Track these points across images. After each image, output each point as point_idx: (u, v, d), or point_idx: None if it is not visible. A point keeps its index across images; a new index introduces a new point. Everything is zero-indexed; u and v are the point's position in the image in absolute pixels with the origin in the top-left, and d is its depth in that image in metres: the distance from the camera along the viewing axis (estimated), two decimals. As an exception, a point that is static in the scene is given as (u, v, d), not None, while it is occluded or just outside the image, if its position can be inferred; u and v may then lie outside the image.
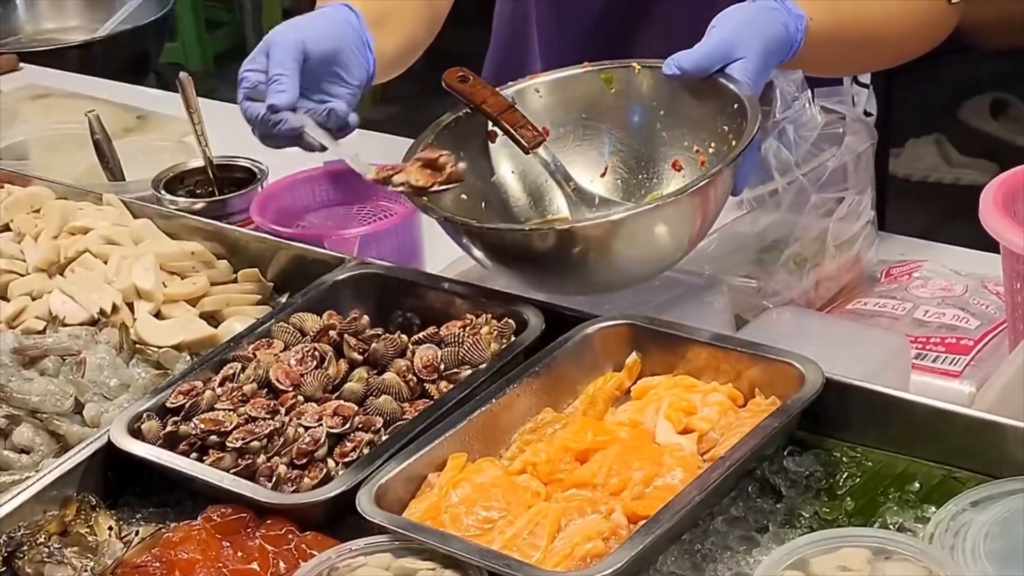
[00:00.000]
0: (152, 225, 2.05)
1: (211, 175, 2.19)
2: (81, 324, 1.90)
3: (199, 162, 2.21)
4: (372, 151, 1.96)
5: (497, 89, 1.92)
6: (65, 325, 1.90)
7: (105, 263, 1.99)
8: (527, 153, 1.89)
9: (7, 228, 2.12)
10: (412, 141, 1.88)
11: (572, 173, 1.91)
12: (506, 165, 1.95)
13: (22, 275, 2.02)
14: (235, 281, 1.99)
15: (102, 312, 1.90)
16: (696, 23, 1.88)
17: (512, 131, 1.88)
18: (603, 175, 1.96)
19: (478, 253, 1.80)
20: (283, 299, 1.95)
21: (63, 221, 2.07)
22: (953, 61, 5.16)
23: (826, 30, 1.92)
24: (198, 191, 2.21)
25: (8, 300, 1.99)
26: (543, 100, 1.96)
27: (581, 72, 1.97)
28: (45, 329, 1.90)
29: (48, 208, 2.11)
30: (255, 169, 2.18)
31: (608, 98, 1.95)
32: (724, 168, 1.73)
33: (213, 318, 1.93)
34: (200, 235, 2.06)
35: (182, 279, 1.98)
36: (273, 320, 1.79)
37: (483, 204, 1.92)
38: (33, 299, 1.96)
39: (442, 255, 2.05)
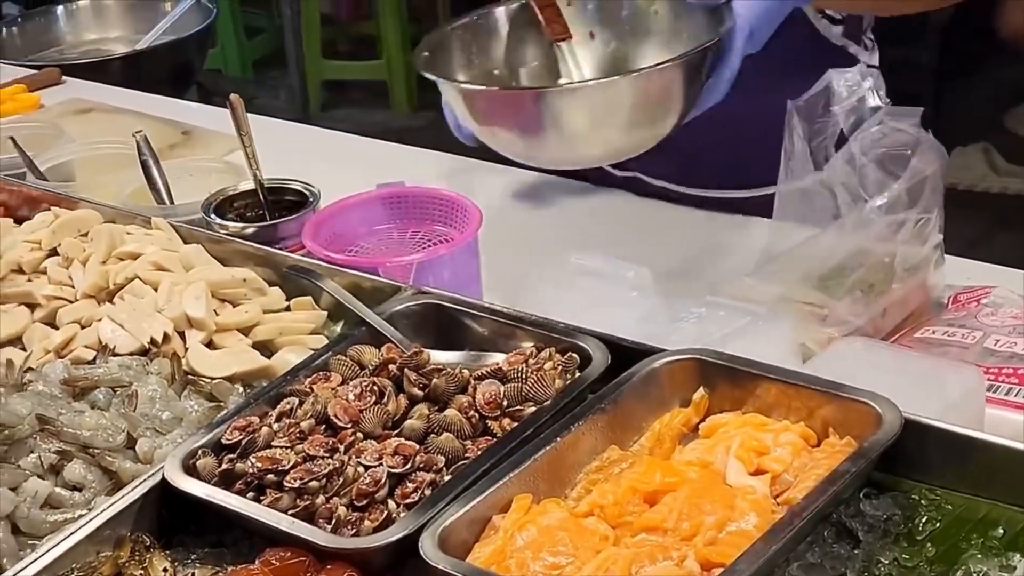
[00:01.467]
0: (202, 250, 2.01)
1: (262, 198, 2.14)
2: (131, 354, 1.86)
3: (249, 184, 2.16)
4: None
5: None
6: (115, 355, 1.86)
7: (155, 290, 1.95)
8: (550, 45, 2.04)
9: (54, 252, 2.07)
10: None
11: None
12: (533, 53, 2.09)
13: (70, 301, 1.98)
14: (288, 309, 1.95)
15: (153, 342, 1.86)
16: None
17: (542, 20, 2.04)
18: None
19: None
20: (338, 328, 1.91)
21: (112, 246, 2.03)
22: (1000, 69, 5.11)
23: None
24: (248, 214, 2.17)
25: (57, 327, 1.95)
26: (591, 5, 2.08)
27: None
28: (95, 359, 1.86)
29: (96, 232, 2.06)
30: (307, 192, 2.13)
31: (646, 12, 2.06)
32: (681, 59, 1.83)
33: (266, 348, 1.88)
34: (251, 261, 2.01)
35: (234, 307, 1.93)
36: (330, 352, 1.75)
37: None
38: (82, 327, 1.92)
39: (499, 283, 2.02)
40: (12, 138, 2.34)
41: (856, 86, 1.91)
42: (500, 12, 2.07)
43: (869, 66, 2.33)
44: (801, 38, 2.23)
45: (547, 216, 2.37)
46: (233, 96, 2.14)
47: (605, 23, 2.09)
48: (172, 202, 2.23)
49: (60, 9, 3.88)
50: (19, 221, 2.23)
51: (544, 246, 2.12)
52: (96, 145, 2.44)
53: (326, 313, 1.92)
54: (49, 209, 2.18)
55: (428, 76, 1.89)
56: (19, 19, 3.89)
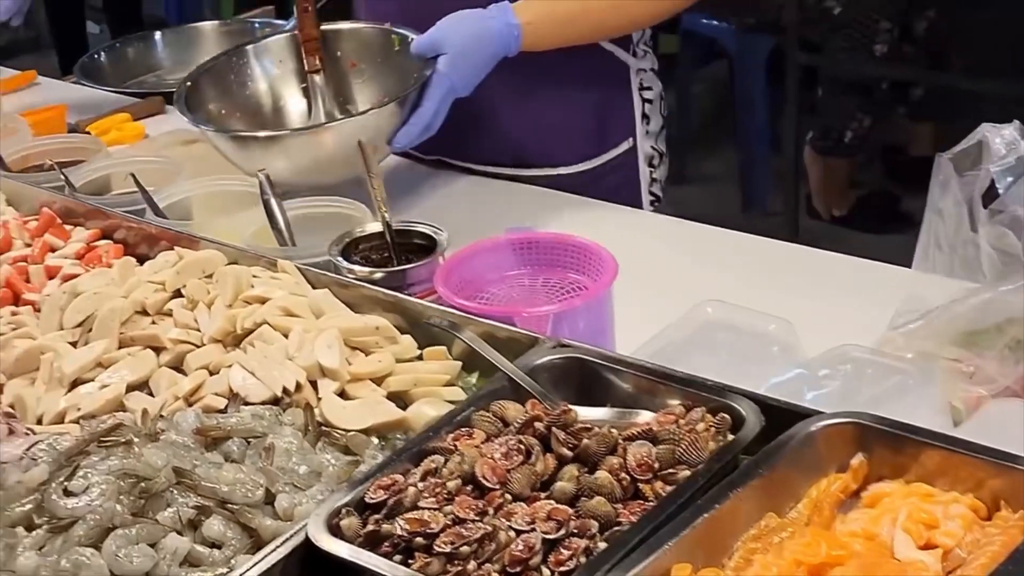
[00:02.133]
0: (331, 296, 1.97)
1: (389, 241, 2.10)
2: (263, 403, 1.82)
3: (375, 227, 2.12)
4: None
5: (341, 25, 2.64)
6: (247, 403, 1.82)
7: (285, 336, 1.91)
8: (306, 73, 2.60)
9: (178, 293, 2.04)
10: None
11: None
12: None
13: (197, 346, 1.95)
14: (420, 358, 1.90)
15: (285, 391, 1.82)
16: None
17: (303, 54, 2.60)
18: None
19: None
20: (472, 379, 1.86)
21: (238, 289, 2.00)
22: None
23: (549, 25, 2.44)
24: (373, 256, 2.12)
25: (183, 372, 1.91)
26: (355, 43, 2.61)
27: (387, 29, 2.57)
28: (226, 407, 1.82)
29: (221, 275, 2.03)
30: (434, 236, 2.08)
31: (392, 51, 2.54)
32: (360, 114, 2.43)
33: (400, 399, 1.84)
34: (379, 306, 1.97)
35: (366, 355, 1.89)
36: (472, 408, 1.70)
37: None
38: (211, 373, 1.89)
39: (630, 333, 1.96)
40: (133, 175, 2.31)
41: (1014, 143, 1.85)
42: (260, 46, 2.66)
43: (639, 70, 2.71)
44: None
45: (679, 262, 2.32)
46: (362, 140, 2.10)
47: (366, 58, 2.61)
48: (294, 243, 2.19)
49: (158, 35, 3.84)
50: (138, 259, 2.20)
51: (677, 294, 2.06)
52: (214, 182, 2.39)
53: (460, 364, 1.87)
54: (172, 248, 2.15)
55: (184, 116, 2.41)
56: (117, 44, 3.86)
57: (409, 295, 2.00)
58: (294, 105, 2.64)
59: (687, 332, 1.94)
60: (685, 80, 6.19)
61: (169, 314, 2.01)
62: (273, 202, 2.19)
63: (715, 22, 5.78)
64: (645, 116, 2.77)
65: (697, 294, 2.03)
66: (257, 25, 3.90)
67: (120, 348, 1.96)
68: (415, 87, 2.33)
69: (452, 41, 2.37)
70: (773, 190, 5.75)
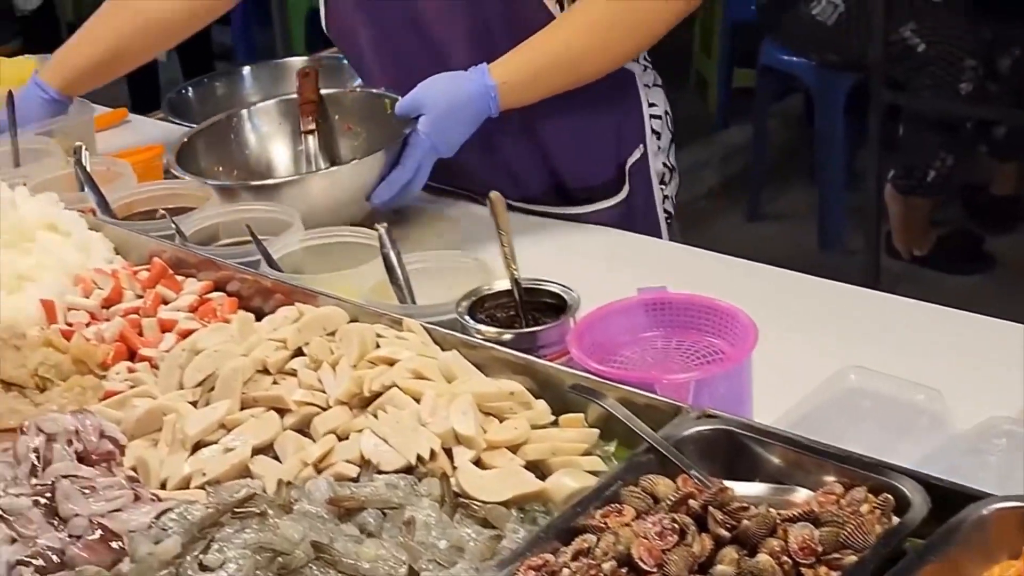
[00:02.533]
0: (461, 358, 1.91)
1: (518, 300, 2.03)
2: (396, 471, 1.75)
3: (503, 284, 2.05)
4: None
5: (338, 90, 2.89)
6: (379, 472, 1.76)
7: (415, 400, 1.84)
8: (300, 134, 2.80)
9: (299, 351, 1.98)
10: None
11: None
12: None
13: (323, 408, 1.89)
14: (554, 424, 1.84)
15: (419, 459, 1.76)
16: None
17: (300, 116, 2.79)
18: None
19: None
20: (611, 448, 1.80)
21: (363, 349, 1.94)
22: None
23: (526, 82, 2.54)
24: (499, 314, 2.06)
25: (310, 436, 1.85)
26: (350, 102, 2.82)
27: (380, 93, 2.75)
28: (358, 476, 1.76)
29: (345, 333, 1.97)
30: (565, 296, 2.02)
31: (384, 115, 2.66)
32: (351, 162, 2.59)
33: (536, 468, 1.77)
34: (509, 369, 1.91)
35: (500, 422, 1.82)
36: (620, 482, 1.63)
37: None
38: (339, 438, 1.83)
39: (770, 401, 1.89)
40: (248, 225, 2.25)
41: None
42: (256, 108, 2.86)
43: (645, 85, 2.76)
44: None
45: (816, 323, 2.24)
46: (493, 194, 2.05)
47: (360, 121, 2.78)
48: (414, 299, 2.12)
49: (247, 70, 3.80)
50: (252, 312, 2.15)
51: (815, 358, 1.99)
52: (327, 233, 2.34)
53: (598, 431, 1.81)
54: (288, 301, 2.09)
55: (178, 173, 2.59)
56: (205, 79, 3.82)
57: (539, 357, 1.93)
58: (286, 165, 2.83)
59: (829, 400, 1.87)
60: (761, 115, 6.13)
61: (291, 373, 1.95)
62: (393, 256, 2.13)
63: (794, 58, 5.71)
64: (655, 132, 2.78)
65: (836, 358, 1.96)
66: (344, 60, 3.85)
67: (243, 409, 1.90)
68: (394, 145, 2.51)
69: (432, 103, 2.51)
70: (851, 228, 5.67)
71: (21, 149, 2.82)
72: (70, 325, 2.18)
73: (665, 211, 2.87)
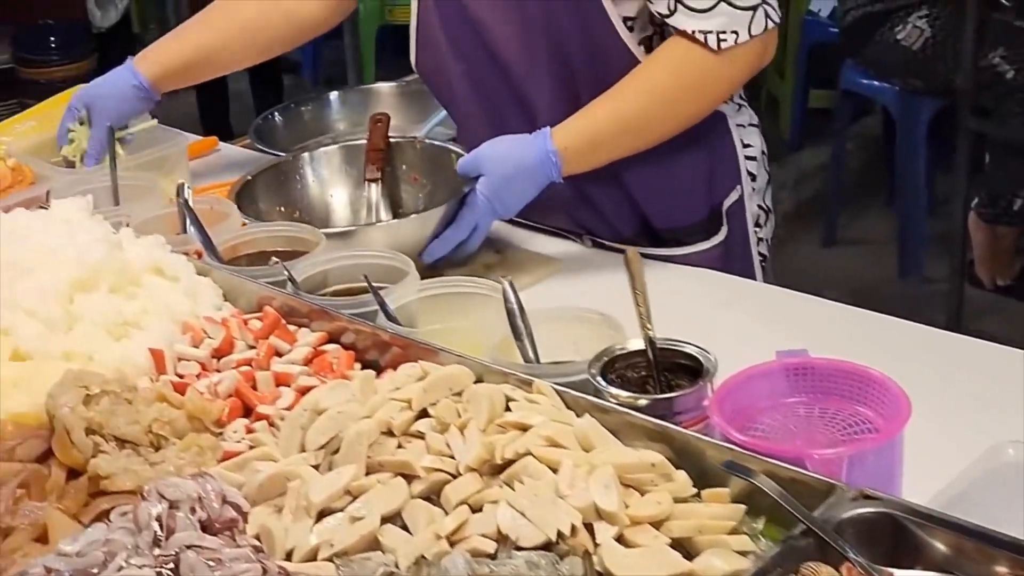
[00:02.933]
0: (598, 425, 1.83)
1: (652, 360, 1.95)
2: (535, 548, 1.67)
3: (636, 343, 1.97)
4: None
5: (406, 139, 2.91)
6: (518, 548, 1.68)
7: (550, 469, 1.76)
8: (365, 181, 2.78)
9: (424, 412, 1.90)
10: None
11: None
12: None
13: (452, 475, 1.81)
14: (697, 497, 1.76)
15: (560, 535, 1.67)
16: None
17: (365, 163, 2.79)
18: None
19: None
20: (759, 525, 1.71)
21: (492, 412, 1.86)
22: None
23: (589, 148, 2.50)
24: (630, 374, 1.97)
25: (440, 504, 1.78)
26: (417, 153, 2.81)
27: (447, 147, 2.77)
28: (496, 552, 1.68)
29: (473, 396, 1.89)
30: (701, 358, 1.93)
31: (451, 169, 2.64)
32: (410, 216, 2.63)
33: (682, 546, 1.69)
34: (645, 436, 1.83)
35: (641, 495, 1.74)
36: (779, 569, 1.55)
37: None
38: (472, 509, 1.75)
39: (920, 477, 1.80)
40: (365, 276, 2.18)
41: None
42: (320, 152, 2.86)
43: (739, 125, 2.69)
44: None
45: (965, 391, 2.13)
46: (630, 250, 1.97)
47: (426, 173, 2.77)
48: (538, 357, 2.04)
49: (334, 95, 3.73)
50: (368, 366, 2.08)
51: (967, 429, 1.90)
52: (444, 284, 2.26)
53: (744, 507, 1.73)
54: (410, 357, 2.02)
55: (245, 220, 2.54)
56: (292, 104, 3.75)
57: (675, 423, 1.85)
58: (346, 211, 2.82)
59: (987, 478, 1.78)
60: (839, 138, 6.03)
61: (416, 435, 1.88)
62: (517, 311, 2.05)
63: (875, 82, 5.61)
64: (750, 173, 2.70)
65: (988, 431, 1.87)
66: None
67: (368, 474, 1.83)
68: (452, 203, 2.51)
69: (493, 164, 2.50)
70: (932, 256, 5.57)
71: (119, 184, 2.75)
72: (181, 377, 2.11)
73: (760, 254, 2.79)
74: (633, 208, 2.71)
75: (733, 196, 2.71)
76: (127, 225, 2.44)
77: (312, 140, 3.56)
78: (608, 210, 2.71)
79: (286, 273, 2.25)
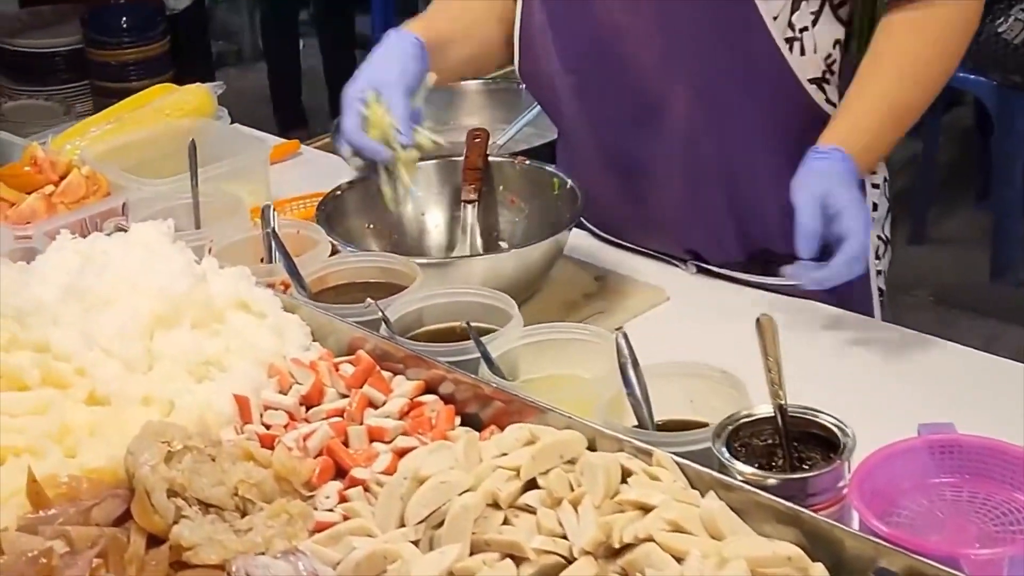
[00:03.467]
0: (728, 510, 1.67)
1: (782, 429, 1.79)
2: (660, 649, 1.52)
3: (764, 409, 1.81)
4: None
5: (505, 159, 2.72)
6: (642, 650, 1.53)
7: (674, 558, 1.61)
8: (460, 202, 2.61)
9: (532, 482, 1.75)
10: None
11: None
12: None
13: (565, 558, 1.66)
14: (836, 594, 1.60)
15: (688, 635, 1.52)
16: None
17: (462, 182, 2.62)
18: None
19: None
20: (907, 631, 1.55)
21: (608, 487, 1.70)
22: None
23: (872, 141, 2.34)
24: (754, 442, 1.82)
25: (550, 591, 1.63)
26: (517, 175, 2.65)
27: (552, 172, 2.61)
28: (617, 654, 1.53)
29: (588, 467, 1.73)
30: (837, 431, 1.77)
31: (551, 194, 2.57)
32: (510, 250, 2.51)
33: (824, 650, 1.54)
34: (773, 518, 1.67)
35: (776, 591, 1.58)
36: None
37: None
38: (590, 601, 1.60)
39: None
40: (468, 324, 2.02)
41: None
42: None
43: None
44: (797, 115, 2.45)
45: None
46: (764, 317, 1.80)
47: (525, 196, 2.61)
48: (654, 423, 1.88)
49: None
50: (469, 419, 1.93)
51: None
52: (549, 330, 2.10)
53: (891, 611, 1.57)
54: (513, 412, 1.88)
55: (333, 241, 2.40)
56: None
57: (807, 506, 1.69)
58: (439, 232, 2.66)
59: None
60: (931, 132, 5.83)
61: (525, 509, 1.73)
62: (631, 368, 1.89)
63: (971, 76, 5.40)
64: (872, 202, 2.55)
65: None
66: (519, 86, 3.62)
67: (472, 553, 1.68)
68: (556, 239, 2.40)
69: (847, 228, 2.25)
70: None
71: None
72: (267, 427, 1.97)
73: (879, 288, 2.62)
74: (750, 232, 2.55)
75: None
76: (210, 252, 2.29)
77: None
78: (723, 234, 2.56)
79: (381, 313, 2.09)
